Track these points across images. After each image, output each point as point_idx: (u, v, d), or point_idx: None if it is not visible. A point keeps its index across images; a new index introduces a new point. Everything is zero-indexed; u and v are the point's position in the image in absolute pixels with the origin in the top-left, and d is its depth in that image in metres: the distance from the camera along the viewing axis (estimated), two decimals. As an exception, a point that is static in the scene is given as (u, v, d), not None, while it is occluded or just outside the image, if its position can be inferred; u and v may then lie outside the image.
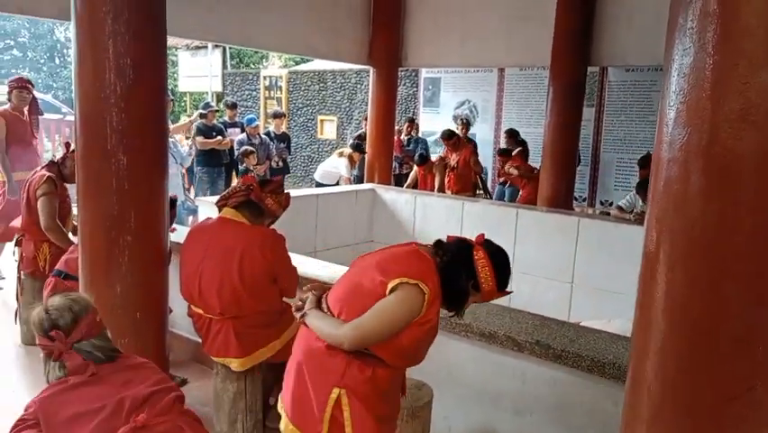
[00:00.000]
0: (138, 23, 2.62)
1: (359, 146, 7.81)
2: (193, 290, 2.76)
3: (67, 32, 22.80)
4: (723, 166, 1.23)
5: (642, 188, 5.30)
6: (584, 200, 8.45)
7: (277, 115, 8.62)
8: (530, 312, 2.78)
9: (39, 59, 23.43)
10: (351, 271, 2.03)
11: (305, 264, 3.45)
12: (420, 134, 9.52)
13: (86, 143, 2.72)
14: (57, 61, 23.61)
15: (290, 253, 2.93)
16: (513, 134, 8.02)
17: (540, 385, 2.48)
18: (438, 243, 2.00)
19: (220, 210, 2.88)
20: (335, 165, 8.22)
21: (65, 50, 23.67)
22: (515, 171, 7.31)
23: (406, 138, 8.91)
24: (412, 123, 9.12)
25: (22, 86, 5.17)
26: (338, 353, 1.85)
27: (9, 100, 5.21)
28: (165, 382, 1.84)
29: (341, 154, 8.33)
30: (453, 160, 7.34)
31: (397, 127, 8.87)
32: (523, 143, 7.85)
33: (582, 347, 2.38)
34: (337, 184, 8.07)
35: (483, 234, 2.00)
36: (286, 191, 2.98)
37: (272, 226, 2.96)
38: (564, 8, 5.82)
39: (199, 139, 7.35)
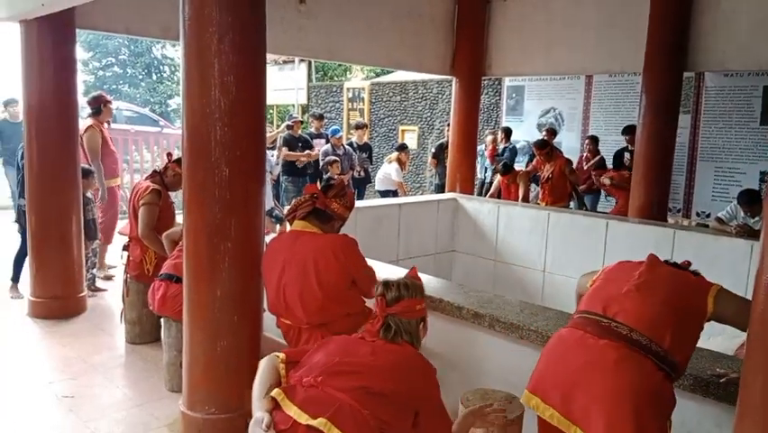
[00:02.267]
0: (241, 43, 2.77)
1: (436, 154, 7.88)
2: (279, 305, 2.88)
3: (163, 50, 24.25)
4: None
5: (744, 198, 5.00)
6: (679, 211, 8.05)
7: (359, 126, 8.82)
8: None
9: (137, 75, 24.98)
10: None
11: (388, 272, 3.49)
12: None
13: (191, 155, 2.89)
14: (154, 77, 25.09)
15: (373, 261, 2.98)
16: (595, 141, 8.00)
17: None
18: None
19: (290, 223, 2.99)
20: (387, 172, 8.42)
21: (161, 67, 25.14)
22: (607, 181, 7.08)
23: (501, 147, 8.90)
24: (506, 132, 9.10)
25: (108, 100, 5.76)
26: (669, 382, 1.87)
27: (96, 114, 5.65)
28: (377, 379, 1.86)
29: (390, 160, 8.47)
30: (547, 170, 7.07)
31: (491, 137, 8.92)
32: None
33: (683, 366, 2.28)
34: (396, 192, 8.22)
35: None
36: (348, 191, 3.06)
37: (343, 231, 3.04)
38: (658, 13, 5.60)
39: (285, 150, 7.62)
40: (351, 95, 13.16)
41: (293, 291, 2.79)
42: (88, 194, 5.18)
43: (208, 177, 2.83)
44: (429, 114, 11.77)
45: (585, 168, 7.88)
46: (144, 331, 4.30)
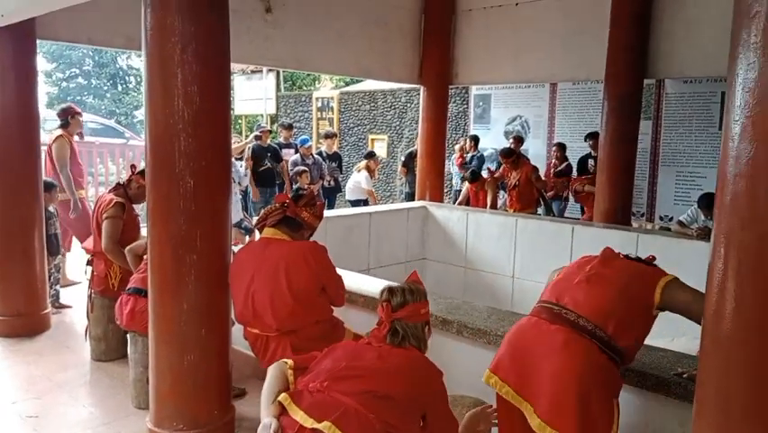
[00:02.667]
0: (205, 53, 2.76)
1: (405, 162, 7.93)
2: (247, 313, 2.85)
3: (129, 61, 23.94)
4: (793, 180, 1.21)
5: (704, 202, 5.14)
6: (642, 215, 8.23)
7: (328, 136, 8.83)
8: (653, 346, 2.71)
9: (102, 86, 24.59)
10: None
11: (360, 282, 3.50)
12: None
13: (155, 167, 2.86)
14: (119, 88, 24.74)
15: (344, 270, 2.98)
16: (562, 148, 8.18)
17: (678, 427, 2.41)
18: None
19: (260, 232, 2.99)
20: (357, 180, 8.46)
21: (127, 78, 24.81)
22: (585, 188, 7.14)
23: (469, 155, 9.01)
24: (474, 140, 9.29)
25: (78, 112, 5.77)
26: (614, 365, 2.01)
27: (64, 126, 5.66)
28: (382, 386, 1.86)
29: (359, 169, 8.51)
30: (514, 178, 7.20)
31: (459, 144, 9.03)
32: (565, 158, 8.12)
33: (647, 366, 2.33)
34: (366, 201, 8.26)
35: None
36: (318, 202, 3.08)
37: (314, 239, 3.05)
38: (619, 21, 5.75)
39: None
40: (320, 104, 13.15)
41: (263, 297, 2.78)
42: (51, 208, 5.07)
43: (173, 188, 2.80)
44: (398, 122, 11.83)
45: (551, 175, 8.04)
46: (110, 347, 4.21)
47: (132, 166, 4.48)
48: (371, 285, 3.43)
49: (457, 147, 9.33)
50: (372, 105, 12.27)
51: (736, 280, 1.29)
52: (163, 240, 2.86)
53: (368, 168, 8.49)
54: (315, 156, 8.15)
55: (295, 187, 7.38)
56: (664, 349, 2.54)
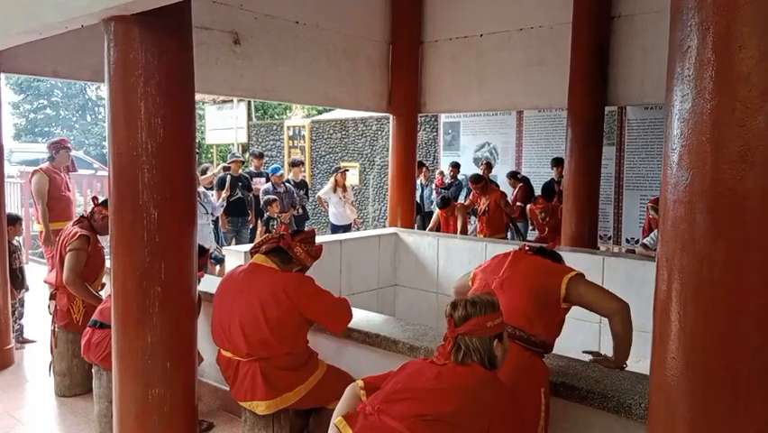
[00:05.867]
0: (168, 85, 2.77)
1: None
2: (222, 334, 2.85)
3: (98, 91, 23.77)
4: (726, 205, 1.27)
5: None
6: (609, 238, 8.39)
7: (294, 164, 8.86)
8: (556, 354, 2.77)
9: (71, 117, 24.33)
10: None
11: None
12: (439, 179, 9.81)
13: (119, 199, 2.84)
14: (88, 119, 24.51)
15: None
16: (513, 175, 8.63)
17: (567, 427, 2.46)
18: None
19: (251, 256, 2.99)
20: (334, 202, 8.48)
21: (96, 108, 24.60)
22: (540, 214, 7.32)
23: (448, 182, 9.25)
24: (456, 167, 9.56)
25: (66, 146, 5.87)
26: (538, 358, 2.20)
27: (52, 158, 5.86)
28: (434, 407, 1.83)
29: (330, 190, 8.57)
30: (483, 204, 7.33)
31: (440, 170, 9.60)
32: (524, 180, 8.47)
33: (608, 388, 2.37)
34: (350, 227, 8.30)
35: None
36: (318, 243, 3.07)
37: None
38: (579, 50, 5.92)
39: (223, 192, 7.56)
40: (291, 133, 13.21)
41: (239, 320, 2.77)
42: (15, 241, 4.98)
43: (136, 220, 2.79)
44: (369, 150, 11.93)
45: (512, 198, 8.26)
46: (74, 383, 4.12)
47: (95, 198, 4.46)
48: (355, 316, 3.41)
49: (437, 172, 9.60)
50: (344, 133, 12.37)
51: (679, 301, 1.34)
52: (127, 272, 2.83)
53: (335, 181, 8.53)
54: (287, 185, 8.16)
55: (265, 216, 7.36)
56: (628, 372, 2.59)
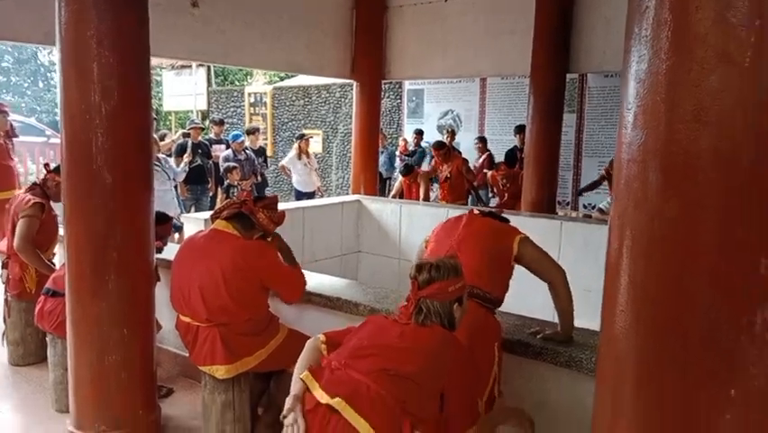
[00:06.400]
0: (122, 46, 2.67)
1: None
2: (181, 299, 2.80)
3: (50, 56, 22.78)
4: (679, 164, 1.29)
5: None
6: (568, 204, 8.55)
7: (250, 131, 8.69)
8: (512, 313, 2.83)
9: (23, 83, 23.35)
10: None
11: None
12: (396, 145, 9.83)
13: (72, 164, 2.75)
14: (41, 85, 23.54)
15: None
16: (482, 140, 8.66)
17: (522, 383, 2.54)
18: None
19: (212, 222, 2.94)
20: (298, 169, 8.43)
21: (48, 74, 23.62)
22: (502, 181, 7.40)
23: (412, 149, 9.21)
24: (419, 135, 9.55)
25: (3, 110, 5.40)
26: (491, 314, 2.34)
27: None
28: (399, 364, 1.85)
29: (294, 155, 8.51)
30: (446, 170, 7.36)
31: (403, 137, 9.62)
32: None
33: (560, 344, 2.45)
34: (314, 194, 8.27)
35: None
36: (281, 210, 3.03)
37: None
38: (542, 18, 5.94)
39: (185, 158, 7.40)
40: (252, 99, 12.95)
41: (198, 286, 2.73)
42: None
43: (90, 185, 2.71)
44: (333, 117, 11.80)
45: (477, 165, 8.30)
46: (28, 351, 4.03)
47: (47, 165, 4.31)
48: (317, 281, 3.42)
49: (401, 139, 9.61)
50: (306, 100, 12.20)
51: (630, 256, 1.37)
52: (81, 238, 2.76)
53: (299, 148, 8.45)
54: (248, 152, 8.03)
55: (225, 183, 7.24)
56: (577, 328, 2.66)
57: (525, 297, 2.90)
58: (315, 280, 3.39)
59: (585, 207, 8.44)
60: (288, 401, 1.81)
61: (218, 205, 7.33)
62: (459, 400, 1.94)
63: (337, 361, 1.87)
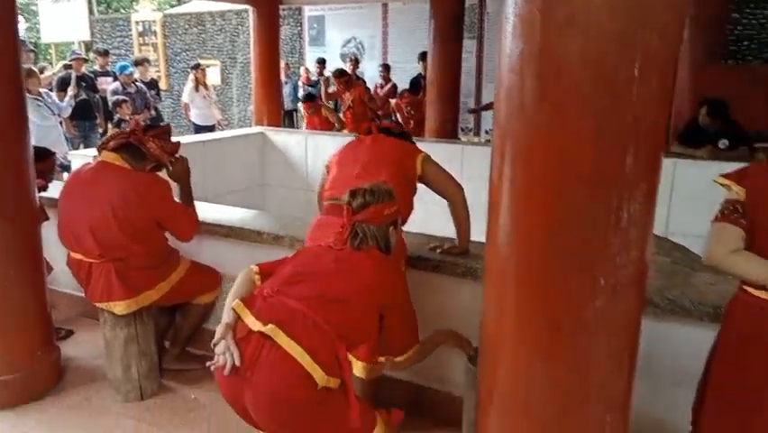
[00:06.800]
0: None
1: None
2: (71, 236, 2.68)
3: None
4: (552, 70, 1.35)
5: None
6: (470, 130, 8.76)
7: (138, 62, 8.13)
8: (415, 232, 2.92)
9: None
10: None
11: (208, 211, 3.38)
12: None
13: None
14: None
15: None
16: (386, 68, 8.48)
17: (426, 293, 2.65)
18: None
19: (99, 153, 2.77)
20: (190, 98, 8.10)
21: None
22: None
23: (314, 79, 9.00)
24: (321, 64, 9.29)
25: None
26: (399, 234, 2.23)
27: None
28: (333, 292, 1.85)
29: (190, 87, 8.16)
30: (348, 99, 7.28)
31: (305, 66, 9.31)
32: None
33: (458, 256, 2.59)
34: (214, 127, 7.99)
35: None
36: (175, 140, 2.88)
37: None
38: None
39: (70, 92, 6.86)
40: (141, 28, 12.08)
41: (87, 221, 2.61)
42: None
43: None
44: (230, 47, 11.27)
45: (381, 94, 8.22)
46: None
47: None
48: (219, 213, 3.34)
49: (302, 69, 9.35)
50: (200, 28, 11.53)
51: (511, 163, 1.44)
52: (-51, 177, 2.54)
53: (196, 80, 8.04)
54: (138, 84, 7.54)
55: (115, 118, 6.81)
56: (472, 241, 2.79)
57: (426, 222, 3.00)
58: (217, 212, 3.32)
59: (487, 132, 8.68)
60: (219, 330, 1.78)
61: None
62: (399, 321, 1.96)
63: (270, 289, 1.86)
